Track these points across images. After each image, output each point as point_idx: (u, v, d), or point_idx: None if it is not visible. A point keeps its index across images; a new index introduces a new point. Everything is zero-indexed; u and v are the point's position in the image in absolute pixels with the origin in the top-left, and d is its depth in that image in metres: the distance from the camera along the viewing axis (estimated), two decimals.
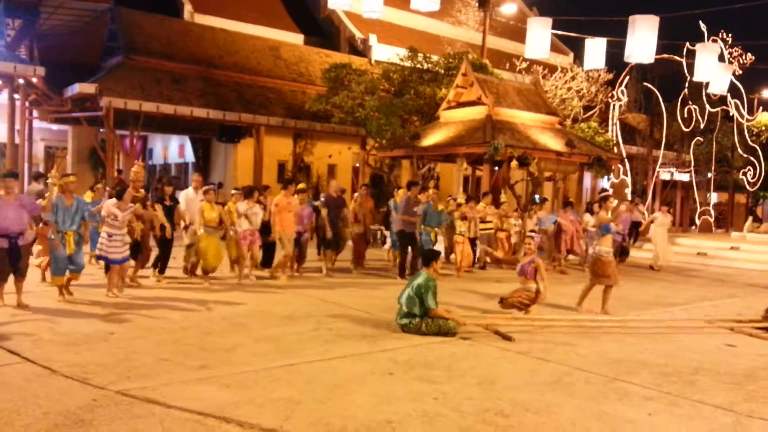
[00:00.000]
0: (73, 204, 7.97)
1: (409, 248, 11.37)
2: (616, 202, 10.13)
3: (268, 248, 11.28)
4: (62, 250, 7.83)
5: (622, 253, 13.75)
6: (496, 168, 16.36)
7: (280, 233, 10.39)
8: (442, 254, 11.70)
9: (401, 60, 20.28)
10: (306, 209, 11.08)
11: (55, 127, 24.83)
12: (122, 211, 8.47)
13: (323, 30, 29.46)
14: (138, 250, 9.38)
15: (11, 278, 7.48)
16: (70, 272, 8.05)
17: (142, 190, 9.62)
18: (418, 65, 19.97)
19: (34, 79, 18.37)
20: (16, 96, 19.33)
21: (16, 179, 7.60)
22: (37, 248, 9.10)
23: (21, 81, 18.64)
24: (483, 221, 12.91)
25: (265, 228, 10.69)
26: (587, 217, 14.02)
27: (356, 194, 12.58)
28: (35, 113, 21.15)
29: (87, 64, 21.28)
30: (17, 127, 19.75)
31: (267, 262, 11.36)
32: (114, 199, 8.62)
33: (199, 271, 10.14)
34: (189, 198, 10.37)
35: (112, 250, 8.43)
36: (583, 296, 8.80)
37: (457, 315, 7.20)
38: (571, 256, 14.10)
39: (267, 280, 10.49)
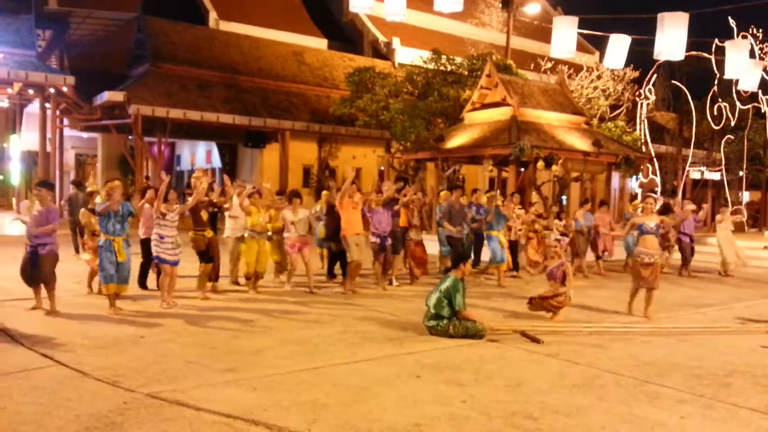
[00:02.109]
0: (119, 209, 7.67)
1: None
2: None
3: (335, 257, 10.43)
4: (108, 258, 7.56)
5: (685, 257, 13.12)
6: (522, 169, 16.22)
7: (344, 236, 9.54)
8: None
9: (425, 62, 20.28)
10: (385, 211, 9.98)
11: (85, 135, 25.37)
12: (169, 212, 8.16)
13: (346, 34, 29.61)
14: (209, 256, 8.91)
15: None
16: (116, 284, 7.63)
17: (206, 197, 9.18)
18: (442, 67, 19.95)
19: (65, 88, 18.80)
20: (47, 105, 19.78)
21: (49, 189, 7.58)
22: (84, 256, 8.87)
23: (52, 90, 19.08)
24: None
25: (335, 234, 9.97)
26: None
27: (407, 197, 11.23)
28: (66, 122, 21.62)
29: (115, 73, 21.71)
30: (48, 135, 20.21)
31: (333, 271, 10.61)
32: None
33: (242, 280, 9.78)
34: (233, 202, 9.93)
35: (165, 252, 8.12)
36: (631, 299, 8.59)
37: (483, 317, 7.13)
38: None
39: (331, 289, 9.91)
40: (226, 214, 9.69)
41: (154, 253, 8.22)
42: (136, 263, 8.68)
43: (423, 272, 10.95)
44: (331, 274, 10.63)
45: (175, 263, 8.20)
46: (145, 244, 8.75)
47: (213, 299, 8.82)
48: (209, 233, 8.93)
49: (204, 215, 8.90)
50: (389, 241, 10.07)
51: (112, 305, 7.69)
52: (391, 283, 10.43)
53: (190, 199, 8.78)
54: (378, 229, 9.85)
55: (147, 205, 8.78)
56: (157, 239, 8.14)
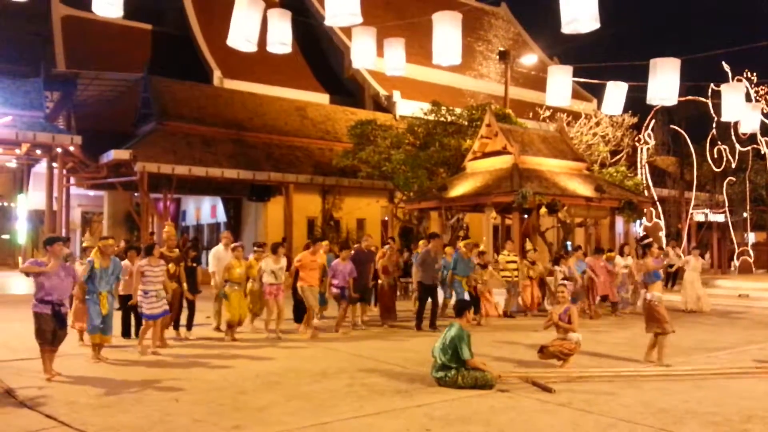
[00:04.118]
0: (110, 266, 8.09)
1: (429, 300, 11.45)
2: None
3: (299, 306, 11.25)
4: (95, 310, 7.95)
5: None
6: (526, 216, 16.26)
7: (302, 287, 10.52)
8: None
9: (425, 114, 20.60)
10: (348, 265, 11.00)
11: (91, 192, 25.62)
12: (154, 267, 8.77)
13: (348, 89, 30.23)
14: (169, 309, 9.41)
15: None
16: (101, 335, 8.06)
17: (176, 250, 9.80)
18: (442, 118, 20.24)
19: (72, 148, 19.09)
20: (54, 165, 20.06)
21: (64, 244, 7.64)
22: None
23: (59, 150, 19.37)
24: (505, 269, 13.02)
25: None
26: (618, 259, 13.83)
27: (385, 247, 12.93)
28: (72, 180, 21.88)
29: (122, 132, 22.07)
30: (55, 194, 20.42)
31: (298, 319, 11.35)
32: (145, 259, 8.88)
33: (223, 326, 10.38)
34: (220, 255, 10.63)
35: (148, 306, 8.67)
36: (649, 350, 8.41)
37: (491, 366, 7.03)
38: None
39: (295, 335, 10.47)
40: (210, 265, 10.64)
41: (138, 308, 8.86)
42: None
43: (388, 317, 11.80)
44: (297, 320, 11.27)
45: (155, 316, 8.71)
46: (123, 299, 9.38)
47: (180, 345, 9.36)
48: (173, 286, 9.45)
49: (171, 268, 9.45)
50: (347, 291, 10.94)
51: (95, 354, 8.10)
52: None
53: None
54: (339, 280, 10.84)
55: (127, 263, 9.36)
56: (141, 294, 8.71)
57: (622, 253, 14.31)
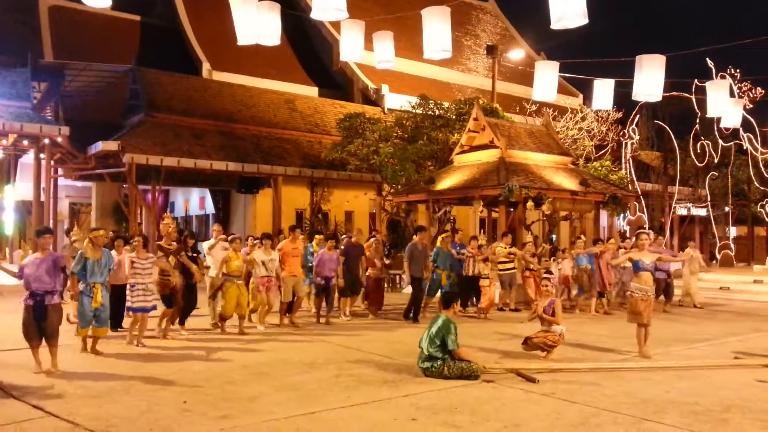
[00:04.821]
0: (102, 258, 7.96)
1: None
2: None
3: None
4: (88, 303, 7.87)
5: (666, 292, 13.60)
6: (512, 209, 16.40)
7: (283, 277, 10.63)
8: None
9: (413, 107, 20.64)
10: (333, 255, 11.14)
11: (79, 184, 25.47)
12: (141, 260, 8.74)
13: (337, 82, 30.20)
14: (173, 302, 9.36)
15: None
16: (95, 327, 7.97)
17: (174, 243, 9.68)
18: (430, 112, 20.30)
19: (59, 139, 18.96)
20: (41, 155, 19.92)
21: (51, 235, 7.52)
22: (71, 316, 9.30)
23: (46, 141, 19.23)
24: (502, 262, 13.03)
25: None
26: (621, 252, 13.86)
27: (371, 240, 13.02)
28: (60, 171, 21.74)
29: (110, 123, 21.95)
30: (43, 185, 20.29)
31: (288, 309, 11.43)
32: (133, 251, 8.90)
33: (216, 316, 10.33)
34: (212, 246, 10.73)
35: (135, 299, 8.66)
36: (639, 342, 8.37)
37: (476, 357, 7.15)
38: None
39: (285, 328, 10.53)
40: (207, 259, 10.70)
41: (128, 304, 8.83)
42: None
43: (376, 309, 12.04)
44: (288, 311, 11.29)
45: (142, 310, 8.68)
46: (113, 290, 9.16)
47: (178, 339, 9.32)
48: (174, 278, 9.35)
49: (171, 260, 9.38)
50: (333, 282, 11.09)
51: (84, 348, 8.11)
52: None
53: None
54: (323, 271, 10.95)
55: (114, 253, 9.12)
56: (129, 287, 8.72)
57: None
